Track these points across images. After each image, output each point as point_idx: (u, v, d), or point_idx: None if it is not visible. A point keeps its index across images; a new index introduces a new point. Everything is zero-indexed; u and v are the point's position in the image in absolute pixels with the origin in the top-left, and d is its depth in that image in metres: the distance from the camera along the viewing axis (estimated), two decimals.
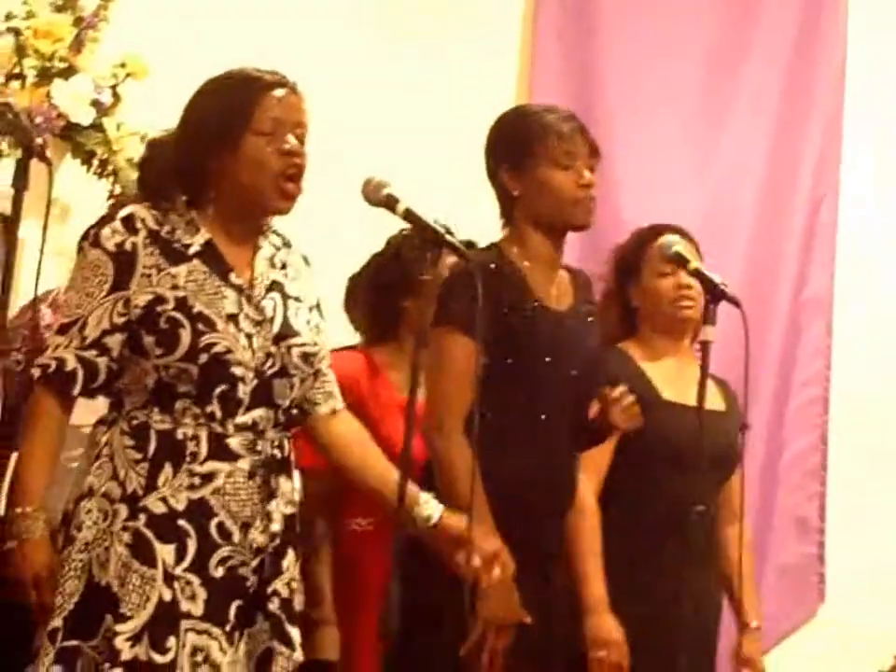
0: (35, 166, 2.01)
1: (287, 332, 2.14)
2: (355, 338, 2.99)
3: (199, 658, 2.02)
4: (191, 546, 2.04)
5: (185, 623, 2.02)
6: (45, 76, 3.28)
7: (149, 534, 2.03)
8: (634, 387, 2.58)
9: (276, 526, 2.10)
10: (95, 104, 3.30)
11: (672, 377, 2.74)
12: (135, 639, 1.99)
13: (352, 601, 2.72)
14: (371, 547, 2.64)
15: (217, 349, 2.06)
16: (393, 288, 2.79)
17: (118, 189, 3.32)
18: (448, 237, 2.06)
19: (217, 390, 2.06)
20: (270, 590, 2.10)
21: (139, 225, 2.09)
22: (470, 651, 2.26)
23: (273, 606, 2.10)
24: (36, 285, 2.10)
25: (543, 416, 2.40)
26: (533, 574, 2.34)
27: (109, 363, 2.08)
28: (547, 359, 2.40)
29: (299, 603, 2.44)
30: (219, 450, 2.07)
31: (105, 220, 2.11)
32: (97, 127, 3.31)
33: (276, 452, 2.12)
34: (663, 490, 2.63)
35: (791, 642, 3.76)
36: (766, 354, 3.98)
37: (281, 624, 2.10)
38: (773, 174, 4.13)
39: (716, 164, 4.14)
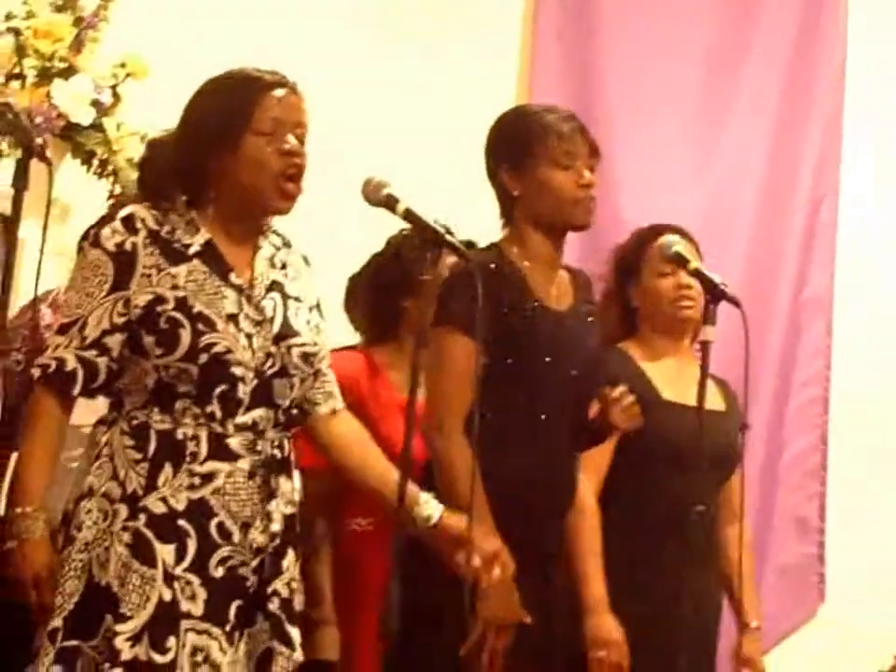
0: (35, 166, 2.01)
1: (287, 332, 2.14)
2: (355, 338, 2.99)
3: (199, 658, 2.02)
4: (191, 546, 2.04)
5: (185, 623, 2.02)
6: (45, 76, 3.28)
7: (149, 534, 2.03)
8: (634, 387, 2.57)
9: (276, 526, 2.10)
10: (95, 104, 3.30)
11: (672, 377, 2.74)
12: (135, 639, 1.99)
13: (352, 601, 2.72)
14: (371, 547, 2.64)
15: (217, 349, 2.06)
16: (393, 288, 2.79)
17: (118, 189, 3.32)
18: (448, 237, 2.06)
19: (217, 390, 2.06)
20: (270, 590, 2.10)
21: (139, 225, 2.09)
22: (470, 650, 2.26)
23: (273, 606, 2.10)
24: (36, 285, 2.10)
25: (543, 416, 2.40)
26: (533, 574, 2.34)
27: (109, 363, 2.08)
28: (547, 359, 2.40)
29: (299, 603, 2.44)
30: (219, 450, 2.06)
31: (105, 220, 2.11)
32: (97, 127, 3.31)
33: (276, 452, 2.12)
34: (662, 490, 2.63)
35: (790, 642, 3.76)
36: (766, 354, 3.98)
37: (281, 624, 2.10)
38: (773, 173, 4.13)
39: (716, 164, 4.14)
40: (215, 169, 2.11)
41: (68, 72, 3.29)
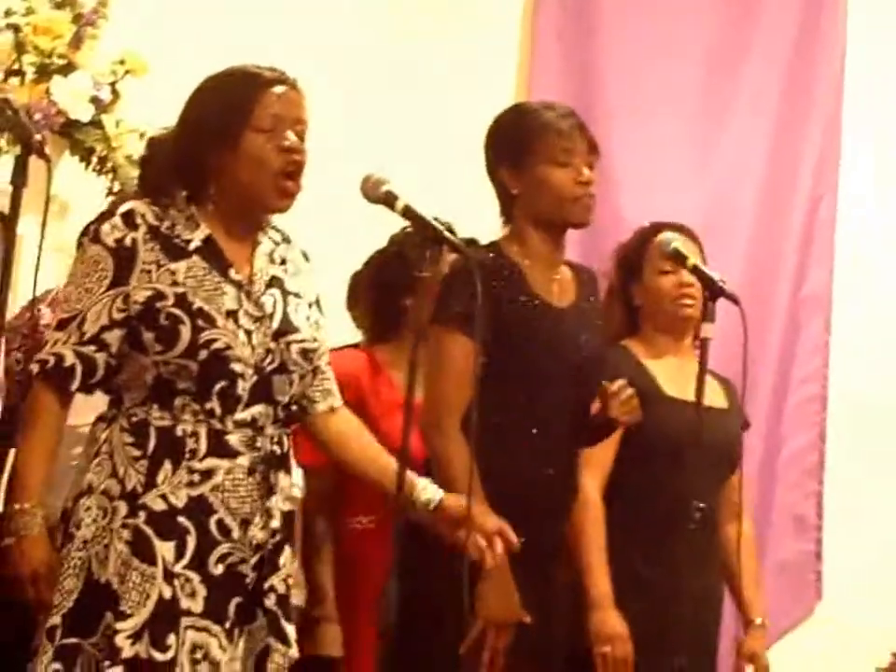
0: (34, 163, 2.00)
1: (286, 329, 2.14)
2: (355, 336, 2.99)
3: (198, 655, 2.02)
4: (191, 543, 2.03)
5: (185, 621, 2.01)
6: (44, 72, 3.28)
7: (149, 531, 2.03)
8: (636, 383, 2.58)
9: (276, 523, 2.10)
10: (94, 100, 3.30)
11: (674, 375, 2.75)
12: (136, 637, 1.99)
13: (354, 599, 2.72)
14: (373, 545, 2.64)
15: (216, 345, 2.06)
16: (395, 287, 2.78)
17: (116, 186, 3.32)
18: (446, 234, 2.06)
19: (217, 387, 2.06)
20: (266, 586, 2.09)
21: (139, 221, 2.09)
22: (470, 649, 2.26)
23: (270, 602, 2.10)
24: (35, 282, 2.10)
25: (543, 414, 2.39)
26: (533, 573, 2.34)
27: (108, 359, 2.08)
28: (546, 356, 2.39)
29: (299, 599, 2.44)
30: (219, 446, 2.06)
31: (104, 216, 2.12)
32: (96, 124, 3.31)
33: (276, 448, 2.12)
34: (664, 486, 2.63)
35: (788, 640, 3.77)
36: (765, 351, 3.99)
37: (277, 621, 2.10)
38: (772, 172, 4.14)
39: (716, 163, 4.15)
40: (214, 165, 2.11)
41: (67, 69, 3.29)
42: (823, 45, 4.16)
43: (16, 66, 3.27)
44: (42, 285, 2.39)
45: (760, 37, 4.18)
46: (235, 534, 2.06)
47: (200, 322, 2.05)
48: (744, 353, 2.43)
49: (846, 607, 3.94)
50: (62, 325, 2.08)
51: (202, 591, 2.03)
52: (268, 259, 2.18)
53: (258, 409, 2.09)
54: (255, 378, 2.09)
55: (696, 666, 2.66)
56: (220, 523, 2.05)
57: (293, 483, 2.20)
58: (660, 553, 2.59)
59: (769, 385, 4.03)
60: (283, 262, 2.20)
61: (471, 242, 2.60)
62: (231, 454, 2.07)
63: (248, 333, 2.10)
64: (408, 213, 2.07)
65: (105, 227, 2.08)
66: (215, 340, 2.06)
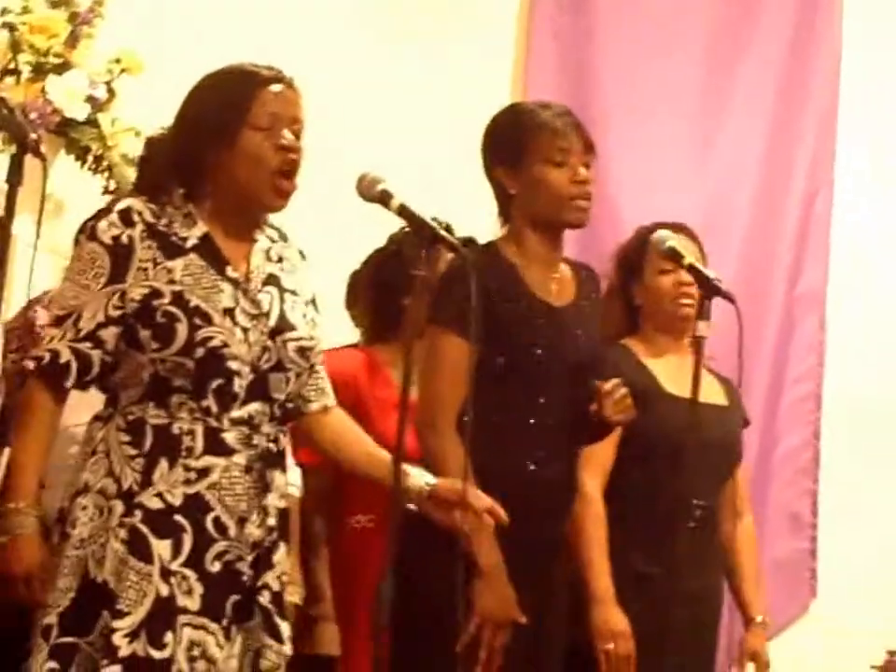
0: (29, 162, 2.00)
1: (283, 326, 2.14)
2: (351, 335, 2.99)
3: (195, 653, 2.02)
4: (187, 541, 2.03)
5: (181, 619, 2.01)
6: (40, 71, 3.28)
7: (145, 530, 2.02)
8: (636, 382, 2.59)
9: (272, 520, 2.11)
10: (90, 99, 3.31)
11: (674, 373, 2.75)
12: (133, 635, 1.99)
13: (352, 597, 2.72)
14: (372, 544, 2.64)
15: (213, 343, 2.06)
16: (394, 286, 2.78)
17: (112, 185, 3.32)
18: (442, 232, 2.06)
19: (213, 384, 2.06)
20: (260, 583, 2.09)
21: (136, 218, 2.09)
22: (466, 647, 2.26)
23: (264, 599, 2.09)
24: (30, 281, 2.10)
25: (542, 413, 2.38)
26: (532, 573, 2.34)
27: (103, 356, 2.08)
28: (544, 354, 2.39)
29: (297, 598, 2.44)
30: (215, 444, 2.06)
31: (102, 213, 2.11)
32: (92, 123, 3.31)
33: (271, 445, 2.12)
34: (664, 484, 2.62)
35: (782, 637, 3.77)
36: (760, 349, 4.00)
37: (271, 618, 2.10)
38: (768, 172, 4.15)
39: (712, 163, 4.16)
40: (211, 163, 2.11)
41: (63, 67, 3.30)
42: (819, 45, 4.18)
43: (12, 65, 3.27)
44: (37, 284, 2.39)
45: (756, 37, 4.19)
46: (232, 532, 2.06)
47: (196, 320, 2.05)
48: (739, 351, 2.43)
49: (841, 605, 3.94)
50: (58, 322, 2.08)
51: (198, 589, 2.03)
52: (265, 256, 2.18)
53: (254, 407, 2.09)
54: (251, 376, 2.09)
55: (696, 666, 2.67)
56: (217, 521, 2.05)
57: (288, 480, 2.20)
58: (660, 552, 2.59)
59: (764, 382, 4.04)
60: (280, 260, 2.20)
61: (469, 241, 2.60)
62: (228, 451, 2.07)
63: (245, 331, 2.09)
64: (403, 212, 2.07)
65: (102, 224, 2.08)
66: (211, 338, 2.06)
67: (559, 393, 2.40)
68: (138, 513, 2.03)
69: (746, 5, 4.22)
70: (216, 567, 2.04)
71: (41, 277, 2.73)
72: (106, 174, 3.33)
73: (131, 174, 3.24)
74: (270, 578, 2.11)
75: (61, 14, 3.34)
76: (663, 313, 2.79)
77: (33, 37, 3.28)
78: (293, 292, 2.18)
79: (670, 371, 2.76)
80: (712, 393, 2.78)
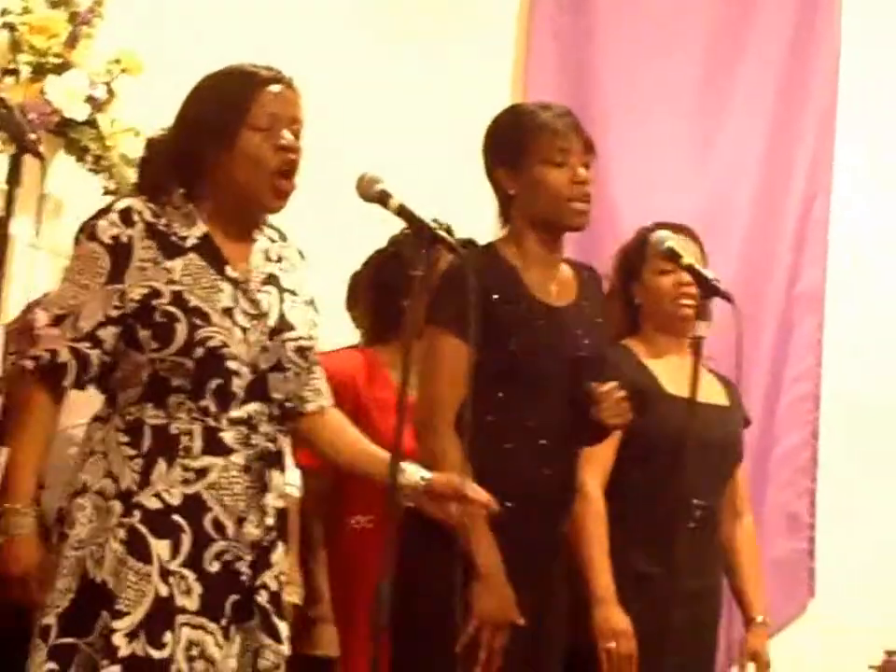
0: (28, 162, 2.00)
1: (282, 326, 2.14)
2: (349, 335, 2.99)
3: (194, 653, 2.02)
4: (186, 541, 2.03)
5: (180, 618, 2.01)
6: (39, 71, 3.28)
7: (144, 530, 2.02)
8: (637, 381, 2.59)
9: (270, 520, 2.11)
10: (90, 99, 3.31)
11: (674, 374, 2.74)
12: (132, 635, 1.99)
13: (351, 598, 2.72)
14: (372, 545, 2.64)
15: (212, 343, 2.06)
16: (394, 288, 2.78)
17: (111, 185, 3.32)
18: (440, 232, 2.06)
19: (212, 384, 2.06)
20: (258, 583, 2.09)
21: (136, 218, 2.09)
22: (465, 648, 2.26)
23: (262, 599, 2.09)
24: (28, 281, 2.10)
25: (542, 414, 2.38)
26: (531, 574, 2.33)
27: (102, 356, 2.08)
28: (543, 355, 2.39)
29: (297, 598, 2.44)
30: (213, 444, 2.06)
31: (102, 213, 2.11)
32: (91, 123, 3.31)
33: (270, 445, 2.12)
34: (665, 484, 2.62)
35: (781, 637, 3.77)
36: (759, 349, 4.00)
37: (269, 618, 2.10)
38: (767, 172, 4.15)
39: (711, 163, 4.16)
40: (211, 163, 2.11)
41: (63, 68, 3.30)
42: (818, 45, 4.18)
43: (11, 65, 3.28)
44: (36, 284, 2.40)
45: (755, 38, 4.20)
46: (230, 531, 2.06)
47: (196, 320, 2.05)
48: (738, 351, 2.43)
49: (839, 604, 3.94)
50: (57, 321, 2.08)
51: (197, 588, 2.03)
52: (264, 256, 2.18)
53: (253, 407, 2.09)
54: (251, 376, 2.09)
55: (695, 666, 2.67)
56: (215, 520, 2.05)
57: (288, 481, 2.20)
58: (660, 552, 2.59)
59: (763, 382, 4.04)
60: (279, 260, 2.20)
61: (469, 242, 2.60)
62: (226, 451, 2.07)
63: (244, 331, 2.09)
64: (402, 212, 2.07)
65: (102, 223, 2.08)
66: (211, 337, 2.06)
67: (559, 394, 2.40)
68: (137, 513, 2.03)
69: (745, 5, 4.22)
70: (214, 567, 2.04)
71: (40, 277, 2.74)
72: (106, 174, 3.34)
73: (130, 174, 3.24)
74: (268, 577, 2.11)
75: (60, 14, 3.35)
76: (663, 313, 2.79)
77: (32, 37, 3.28)
78: (292, 292, 2.18)
79: (671, 372, 2.76)
80: (713, 393, 2.78)
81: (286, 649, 2.12)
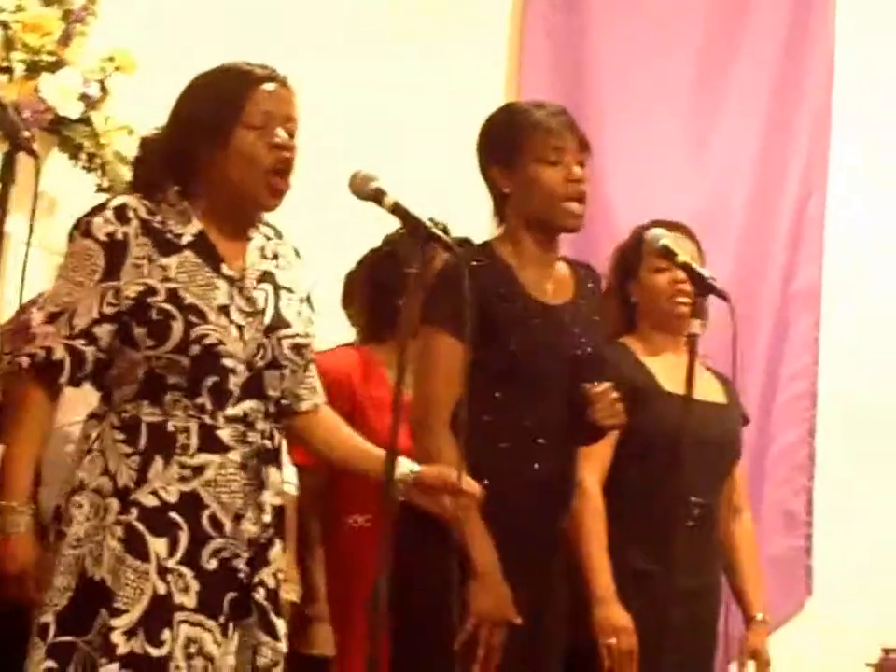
0: (22, 160, 2.00)
1: (278, 323, 2.14)
2: (344, 333, 2.99)
3: (192, 650, 2.01)
4: (183, 538, 2.03)
5: (178, 616, 2.01)
6: (33, 69, 3.27)
7: (142, 527, 2.02)
8: (635, 379, 2.58)
9: (268, 517, 2.10)
10: (83, 97, 3.30)
11: (672, 371, 2.74)
12: (131, 633, 1.98)
13: (348, 597, 2.72)
14: (369, 544, 2.63)
15: (208, 341, 2.05)
16: (390, 287, 2.78)
17: (105, 183, 3.32)
18: (435, 230, 2.06)
19: (208, 382, 2.06)
20: (256, 580, 2.09)
21: (131, 215, 2.08)
22: (463, 646, 2.25)
23: (259, 596, 2.09)
24: (23, 279, 2.09)
25: (539, 412, 2.37)
26: (529, 572, 2.33)
27: (97, 353, 2.07)
28: (539, 354, 2.38)
29: (294, 596, 2.43)
30: (210, 442, 2.06)
31: (97, 210, 2.10)
32: (85, 121, 3.31)
33: (266, 442, 2.12)
34: (662, 482, 2.62)
35: (778, 635, 3.76)
36: (755, 348, 4.00)
37: (266, 615, 2.09)
38: (762, 171, 4.15)
39: (706, 162, 4.16)
40: (205, 162, 2.11)
41: (56, 65, 3.29)
42: (812, 45, 4.18)
43: (5, 63, 3.27)
44: (29, 282, 2.38)
45: (750, 37, 4.20)
46: (228, 529, 2.06)
47: (191, 317, 2.05)
48: (733, 349, 2.43)
49: (836, 603, 3.94)
50: (51, 318, 2.07)
51: (195, 586, 2.02)
52: (259, 253, 2.18)
53: (249, 404, 2.09)
54: (246, 373, 2.08)
55: (694, 664, 2.67)
56: (213, 518, 2.05)
57: (284, 477, 2.20)
58: (658, 550, 2.59)
59: (758, 381, 4.04)
60: (275, 257, 2.19)
61: (465, 241, 2.60)
62: (223, 449, 2.07)
63: (240, 328, 2.09)
64: (397, 210, 2.07)
65: (97, 220, 2.08)
66: (206, 335, 2.05)
67: (556, 393, 2.39)
68: (134, 511, 2.03)
69: (739, 4, 4.22)
70: (212, 565, 2.04)
71: (34, 275, 2.72)
72: (99, 171, 3.33)
73: (124, 171, 3.24)
74: (265, 574, 2.10)
75: (54, 12, 3.34)
76: (659, 311, 2.79)
77: (26, 35, 3.27)
78: (288, 289, 2.18)
79: (668, 370, 2.76)
80: (711, 391, 2.79)
81: (283, 646, 2.12)
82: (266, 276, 2.16)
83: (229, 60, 2.17)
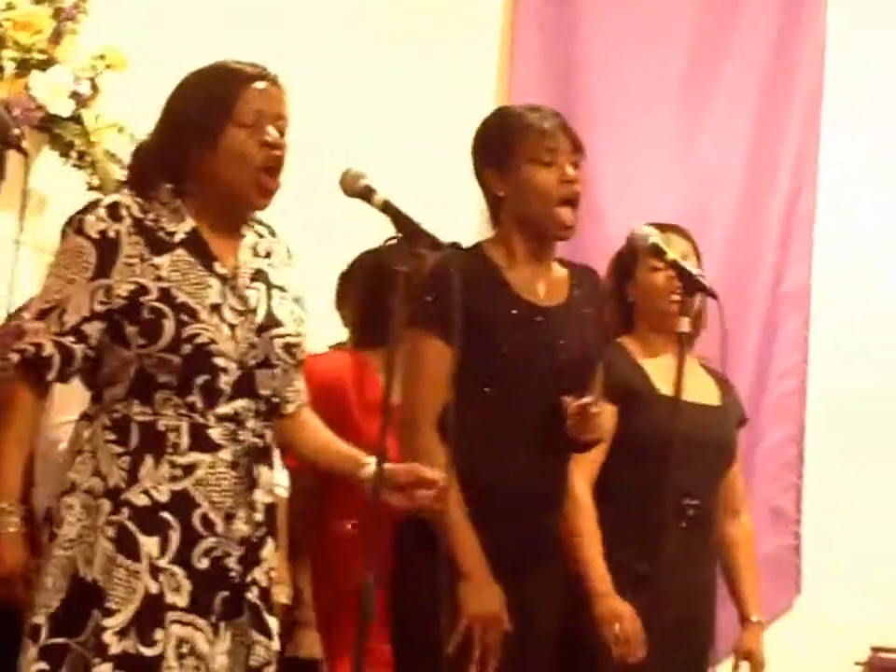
0: (12, 158, 2.00)
1: (270, 322, 2.13)
2: (337, 332, 2.98)
3: (184, 650, 2.01)
4: (174, 538, 2.03)
5: (170, 615, 2.01)
6: (23, 67, 3.27)
7: (133, 527, 2.02)
8: (631, 380, 2.58)
9: (259, 516, 2.10)
10: (74, 95, 3.30)
11: (667, 374, 2.73)
12: (123, 633, 1.98)
13: (337, 601, 2.72)
14: (359, 549, 2.63)
15: (200, 340, 2.05)
16: (382, 290, 2.76)
17: (96, 181, 3.31)
18: (424, 228, 2.05)
19: (199, 380, 2.05)
20: (248, 579, 2.09)
21: (124, 213, 2.08)
22: (457, 648, 2.25)
23: (252, 595, 2.09)
24: (12, 276, 2.09)
25: (527, 414, 2.36)
26: (518, 574, 2.33)
27: (87, 350, 2.07)
28: (529, 355, 2.37)
29: (286, 597, 2.42)
30: (200, 441, 2.06)
31: (90, 207, 2.10)
32: (75, 119, 3.30)
33: (258, 441, 2.11)
34: (657, 484, 2.62)
35: (767, 633, 3.77)
36: (745, 346, 4.00)
37: (259, 614, 2.09)
38: (752, 170, 4.15)
39: (696, 161, 4.16)
40: (196, 161, 2.10)
41: (47, 63, 3.29)
42: (802, 42, 4.19)
43: None
44: (19, 280, 2.39)
45: (740, 35, 4.20)
46: (219, 528, 2.06)
47: (183, 316, 2.05)
48: (722, 347, 2.43)
49: (825, 601, 3.95)
50: (42, 315, 2.07)
51: (186, 585, 2.02)
52: (252, 251, 2.17)
53: (240, 403, 2.09)
54: (238, 372, 2.08)
55: (689, 665, 2.67)
56: (204, 517, 2.05)
57: (275, 478, 2.20)
58: (652, 552, 2.59)
59: (748, 379, 4.04)
60: (268, 255, 2.19)
61: (454, 245, 2.59)
62: (213, 447, 2.06)
63: (232, 327, 2.09)
64: (387, 208, 2.06)
65: (90, 218, 2.07)
66: (198, 334, 2.05)
67: (545, 395, 2.38)
68: (125, 511, 2.02)
69: (730, 2, 4.22)
70: (203, 564, 2.04)
71: (24, 273, 2.72)
72: (90, 170, 3.33)
73: (114, 170, 3.24)
74: (258, 573, 2.10)
75: (45, 10, 3.33)
76: (656, 310, 2.79)
77: (16, 33, 3.27)
78: (281, 288, 2.18)
79: (664, 371, 2.76)
80: (707, 393, 2.79)
81: (276, 645, 2.12)
82: (259, 275, 2.16)
83: (221, 59, 2.17)
